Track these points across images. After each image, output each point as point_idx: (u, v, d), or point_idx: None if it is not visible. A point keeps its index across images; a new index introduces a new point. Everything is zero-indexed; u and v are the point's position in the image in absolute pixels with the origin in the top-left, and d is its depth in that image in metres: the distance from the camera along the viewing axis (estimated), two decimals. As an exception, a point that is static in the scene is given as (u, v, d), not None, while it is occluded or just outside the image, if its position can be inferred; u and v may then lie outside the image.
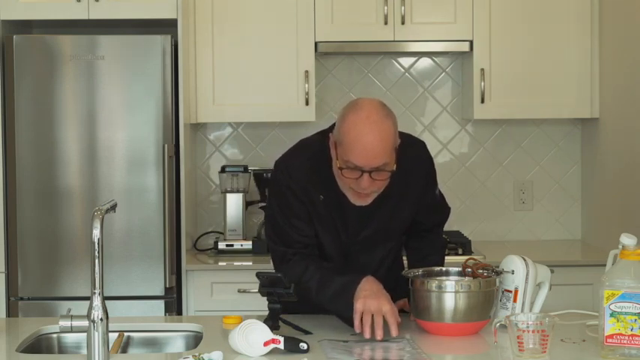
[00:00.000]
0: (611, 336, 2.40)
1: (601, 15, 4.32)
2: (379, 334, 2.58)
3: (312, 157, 2.83)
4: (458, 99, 4.71)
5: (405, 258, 3.13)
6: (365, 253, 2.90)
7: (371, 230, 2.87)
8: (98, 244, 2.35)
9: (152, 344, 2.85)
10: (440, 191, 3.07)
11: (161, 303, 4.04)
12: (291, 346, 2.48)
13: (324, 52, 4.44)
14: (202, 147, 4.70)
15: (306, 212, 2.82)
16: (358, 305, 2.63)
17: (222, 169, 4.44)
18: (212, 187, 4.70)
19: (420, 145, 2.98)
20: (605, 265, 2.71)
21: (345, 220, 2.85)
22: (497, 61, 4.35)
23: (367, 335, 2.59)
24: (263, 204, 4.20)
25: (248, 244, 4.30)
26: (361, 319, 2.62)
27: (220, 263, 4.16)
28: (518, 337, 2.40)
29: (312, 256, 2.84)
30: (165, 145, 4.02)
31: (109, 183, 4.03)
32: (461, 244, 4.25)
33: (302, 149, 2.90)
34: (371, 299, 2.63)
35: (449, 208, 3.13)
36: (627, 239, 2.43)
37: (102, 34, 4.11)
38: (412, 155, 2.87)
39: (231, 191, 4.39)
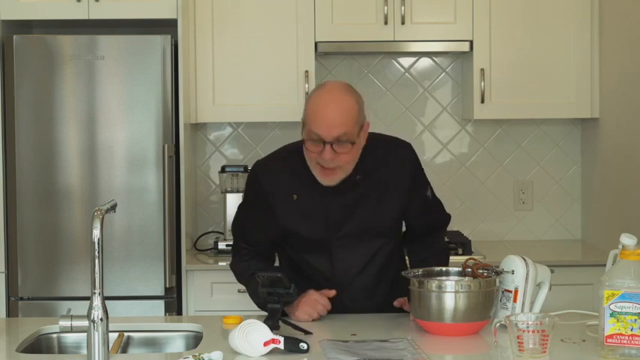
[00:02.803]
0: (611, 336, 2.40)
1: (601, 15, 4.32)
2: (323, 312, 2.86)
3: (288, 157, 2.95)
4: (458, 99, 4.71)
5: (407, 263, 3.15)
6: (348, 250, 2.93)
7: (352, 226, 2.91)
8: (98, 244, 2.35)
9: (152, 344, 2.85)
10: (434, 195, 3.10)
11: (161, 303, 4.04)
12: (291, 346, 2.48)
13: (324, 52, 4.44)
14: (202, 147, 4.70)
15: (268, 221, 2.92)
16: (298, 315, 2.85)
17: (222, 169, 4.44)
18: (212, 187, 4.70)
19: (406, 147, 3.03)
20: (605, 265, 2.71)
21: (326, 216, 2.90)
22: (497, 61, 4.35)
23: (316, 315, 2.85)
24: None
25: (248, 244, 4.30)
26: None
27: (220, 263, 4.16)
28: (518, 337, 2.40)
29: (258, 256, 3.04)
30: (166, 145, 4.02)
31: (109, 183, 4.03)
32: (461, 244, 4.25)
33: (281, 152, 3.04)
34: (302, 305, 2.85)
35: (448, 215, 3.15)
36: (627, 239, 2.43)
37: (102, 34, 4.11)
38: (397, 155, 2.97)
39: (231, 191, 4.40)
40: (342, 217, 2.91)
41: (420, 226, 3.06)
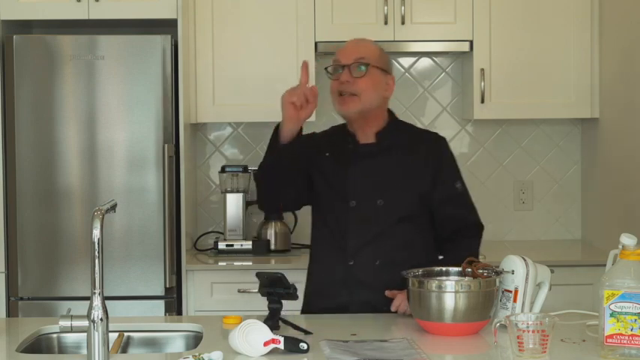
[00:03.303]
0: (611, 336, 2.40)
1: (601, 15, 4.32)
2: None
3: (331, 128, 3.21)
4: (458, 99, 4.71)
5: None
6: (363, 217, 3.01)
7: (368, 190, 3.02)
8: (98, 244, 2.35)
9: (152, 344, 2.85)
10: (467, 193, 3.14)
11: (161, 303, 4.04)
12: (291, 346, 2.47)
13: (324, 52, 4.44)
14: (202, 147, 4.70)
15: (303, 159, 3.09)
16: (285, 115, 3.02)
17: (222, 169, 4.44)
18: (212, 187, 4.70)
19: (440, 138, 3.20)
20: (605, 265, 2.71)
21: (347, 176, 3.04)
22: (497, 61, 4.35)
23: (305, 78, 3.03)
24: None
25: (248, 244, 4.30)
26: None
27: (220, 263, 4.16)
28: (518, 337, 2.40)
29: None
30: (166, 145, 4.03)
31: (109, 183, 4.03)
32: (461, 244, 4.24)
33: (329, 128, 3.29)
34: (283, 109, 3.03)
35: (479, 222, 3.15)
36: (627, 239, 2.43)
37: (102, 34, 4.11)
38: (428, 142, 3.14)
39: (231, 191, 4.39)
40: (362, 180, 3.03)
41: (444, 218, 3.08)
